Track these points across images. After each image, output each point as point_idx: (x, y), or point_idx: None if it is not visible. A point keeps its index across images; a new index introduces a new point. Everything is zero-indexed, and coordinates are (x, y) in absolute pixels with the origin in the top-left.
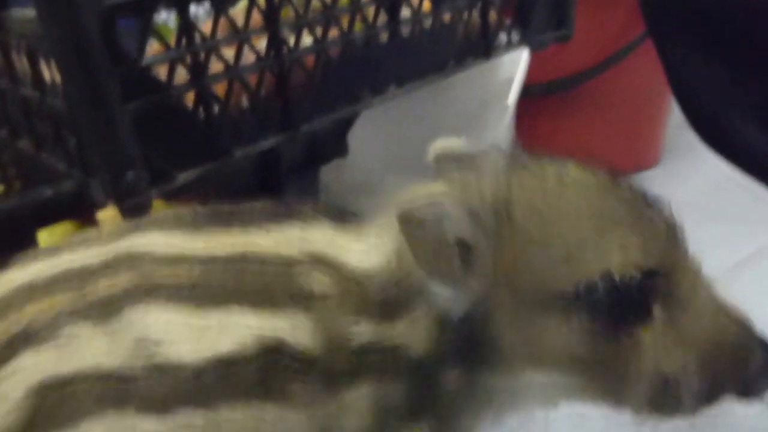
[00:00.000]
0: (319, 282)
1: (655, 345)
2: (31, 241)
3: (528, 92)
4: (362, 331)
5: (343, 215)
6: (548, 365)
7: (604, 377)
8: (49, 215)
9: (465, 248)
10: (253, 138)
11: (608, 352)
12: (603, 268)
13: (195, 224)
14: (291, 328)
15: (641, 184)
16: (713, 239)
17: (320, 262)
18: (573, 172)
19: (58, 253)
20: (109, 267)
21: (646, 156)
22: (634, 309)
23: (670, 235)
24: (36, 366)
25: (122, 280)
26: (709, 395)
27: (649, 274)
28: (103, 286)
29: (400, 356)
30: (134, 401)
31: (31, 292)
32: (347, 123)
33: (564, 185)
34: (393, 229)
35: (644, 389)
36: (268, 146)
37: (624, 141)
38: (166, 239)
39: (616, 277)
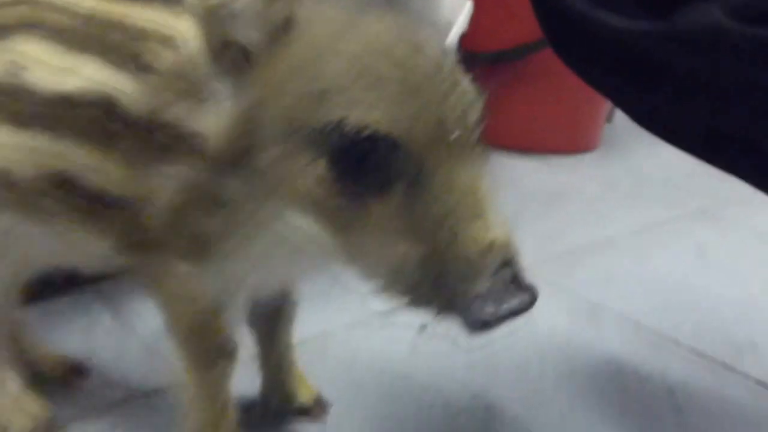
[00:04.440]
0: (160, 58)
1: (385, 223)
2: None
3: (475, 60)
4: (177, 109)
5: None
6: (295, 201)
7: (343, 236)
8: None
9: (245, 52)
10: None
11: (344, 211)
12: (346, 117)
13: None
14: (126, 88)
15: (580, 165)
16: (634, 215)
17: (167, 41)
18: (377, 24)
19: None
20: (15, 2)
21: (585, 138)
22: (372, 175)
23: (446, 124)
24: None
25: (17, 13)
26: (432, 299)
27: (392, 145)
28: (2, 15)
29: (203, 144)
30: None
31: None
32: None
33: (356, 31)
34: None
35: (373, 264)
36: None
37: (566, 118)
38: None
39: (353, 129)
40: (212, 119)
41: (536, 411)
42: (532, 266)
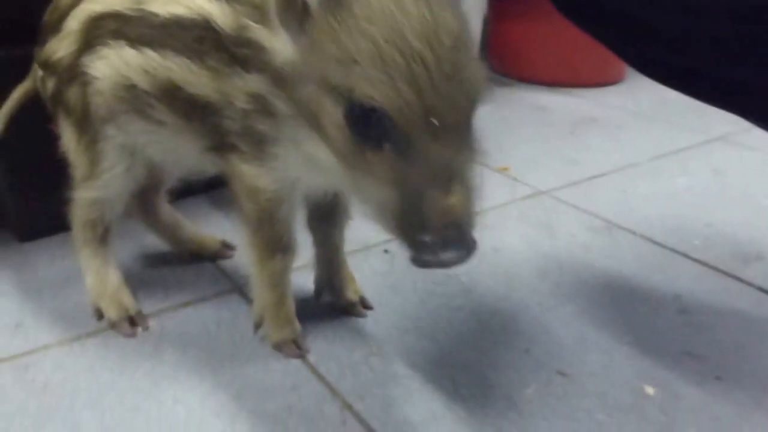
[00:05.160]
0: None
1: (376, 172)
2: None
3: None
4: (255, 31)
5: None
6: (320, 132)
7: (349, 172)
8: None
9: (306, 9)
10: None
11: (351, 153)
12: (357, 87)
13: None
14: (219, 12)
15: (606, 96)
16: (657, 141)
17: None
18: (411, 14)
19: None
20: None
21: (612, 70)
22: (370, 133)
23: (435, 111)
24: (85, 9)
25: None
26: (401, 235)
27: (386, 117)
28: None
29: (270, 63)
30: (125, 36)
31: None
32: None
33: (390, 17)
34: None
35: (365, 200)
36: None
37: (593, 51)
38: None
39: (360, 98)
40: (279, 45)
41: (553, 312)
42: (555, 189)
